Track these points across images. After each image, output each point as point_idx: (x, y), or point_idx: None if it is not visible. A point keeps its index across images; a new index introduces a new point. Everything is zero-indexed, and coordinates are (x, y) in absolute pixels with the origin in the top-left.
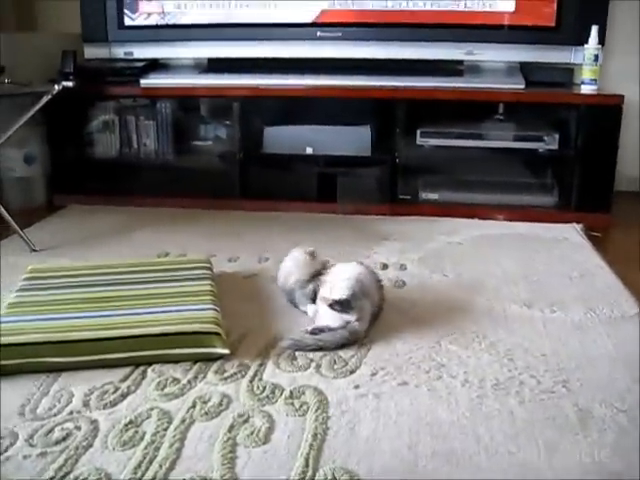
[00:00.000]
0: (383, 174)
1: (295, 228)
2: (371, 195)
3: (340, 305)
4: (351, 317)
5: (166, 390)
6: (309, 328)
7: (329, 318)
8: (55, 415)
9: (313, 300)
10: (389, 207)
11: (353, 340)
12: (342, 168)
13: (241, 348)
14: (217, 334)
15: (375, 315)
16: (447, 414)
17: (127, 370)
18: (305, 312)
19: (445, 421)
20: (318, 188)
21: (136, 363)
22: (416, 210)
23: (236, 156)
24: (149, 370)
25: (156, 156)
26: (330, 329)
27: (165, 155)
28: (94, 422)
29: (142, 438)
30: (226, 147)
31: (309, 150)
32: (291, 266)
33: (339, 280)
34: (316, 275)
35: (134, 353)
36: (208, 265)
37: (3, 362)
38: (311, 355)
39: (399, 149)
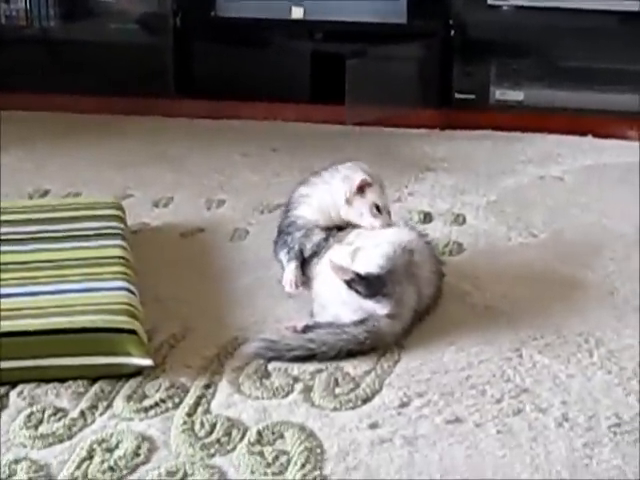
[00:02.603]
0: (428, 56)
1: (273, 149)
2: (406, 93)
3: (366, 284)
4: (380, 307)
5: (42, 429)
6: (297, 324)
7: (338, 302)
8: None
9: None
10: (437, 114)
11: (371, 346)
12: (355, 45)
13: (174, 357)
14: (132, 332)
15: (421, 314)
16: (530, 474)
17: None
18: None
19: None
20: (313, 80)
21: None
22: (484, 120)
23: (169, 22)
24: (13, 394)
25: (28, 21)
26: (333, 326)
27: (44, 19)
28: None
29: None
30: (151, 6)
31: (297, 12)
32: (319, 192)
33: (371, 245)
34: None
35: None
36: (118, 213)
37: None
38: (296, 370)
39: (456, 11)
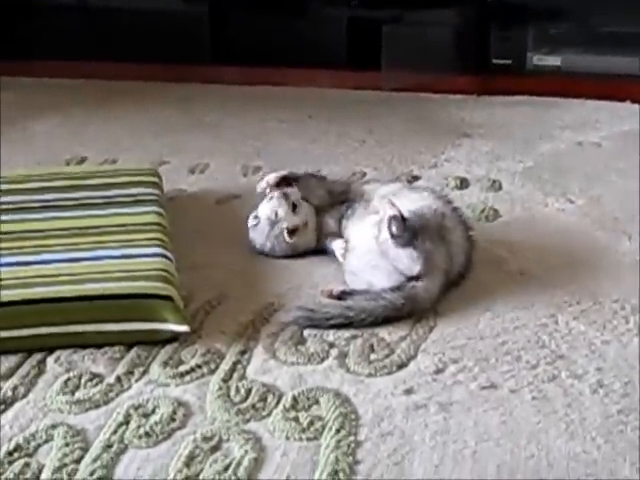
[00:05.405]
0: (464, 22)
1: (309, 116)
2: (443, 58)
3: (403, 227)
4: (412, 263)
5: (79, 394)
6: (334, 289)
7: (369, 268)
8: None
9: None
10: (474, 80)
11: (408, 312)
12: (392, 10)
13: (210, 324)
14: (168, 299)
15: (453, 281)
16: (565, 441)
17: (13, 360)
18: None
19: (562, 454)
20: (349, 46)
21: (29, 348)
22: (521, 85)
23: None
24: (50, 360)
25: None
26: (370, 293)
27: None
28: None
29: (36, 477)
30: None
31: None
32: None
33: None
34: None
35: (25, 331)
36: (154, 180)
37: None
38: (332, 336)
39: None
